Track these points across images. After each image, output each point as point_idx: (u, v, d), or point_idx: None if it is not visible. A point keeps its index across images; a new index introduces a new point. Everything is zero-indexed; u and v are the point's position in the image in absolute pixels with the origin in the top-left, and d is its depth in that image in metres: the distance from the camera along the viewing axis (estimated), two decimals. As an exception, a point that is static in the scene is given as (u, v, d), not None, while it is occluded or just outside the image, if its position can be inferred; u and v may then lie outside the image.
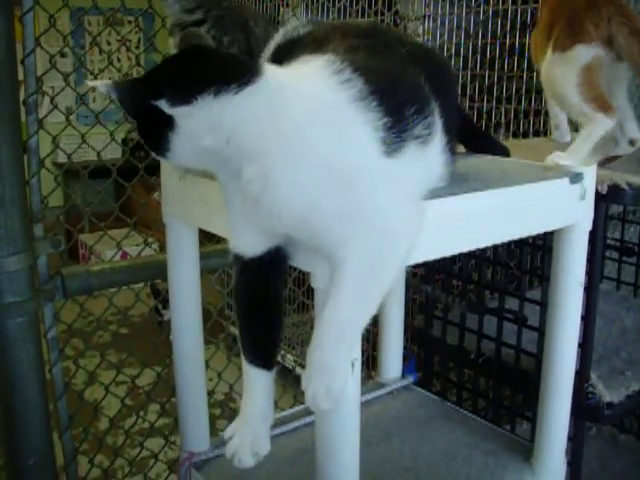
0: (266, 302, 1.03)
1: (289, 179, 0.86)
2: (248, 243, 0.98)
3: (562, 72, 1.70)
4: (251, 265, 0.99)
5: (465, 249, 1.09)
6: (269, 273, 1.00)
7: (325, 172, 0.86)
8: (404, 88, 0.97)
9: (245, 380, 1.06)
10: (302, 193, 0.86)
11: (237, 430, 1.06)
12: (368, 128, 0.89)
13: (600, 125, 1.72)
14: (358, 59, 0.94)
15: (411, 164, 0.94)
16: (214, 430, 1.49)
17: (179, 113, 0.85)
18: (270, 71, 0.89)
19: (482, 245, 1.12)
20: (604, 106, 1.70)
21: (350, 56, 0.94)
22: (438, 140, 1.02)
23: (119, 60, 5.55)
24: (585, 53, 1.68)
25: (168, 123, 0.86)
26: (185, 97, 0.85)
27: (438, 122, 1.01)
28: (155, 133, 0.88)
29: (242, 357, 1.05)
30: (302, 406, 1.15)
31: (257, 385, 1.05)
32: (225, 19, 1.19)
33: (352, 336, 0.92)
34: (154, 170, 1.46)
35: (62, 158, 4.80)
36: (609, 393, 1.51)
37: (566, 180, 1.17)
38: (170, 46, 1.27)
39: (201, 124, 0.86)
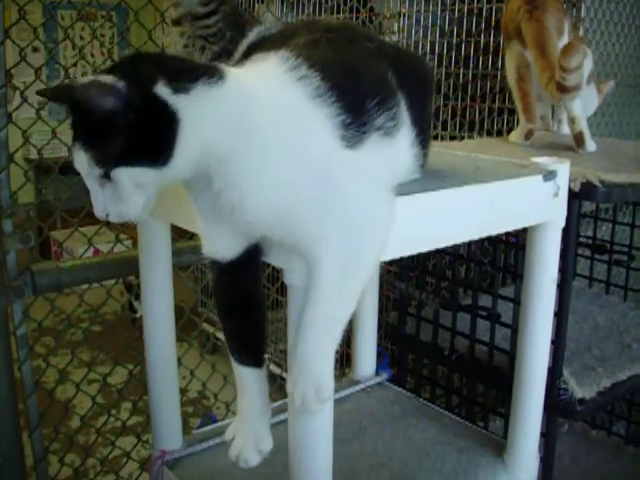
0: (248, 301, 1.03)
1: (259, 182, 0.85)
2: (224, 247, 0.97)
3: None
4: (229, 268, 0.98)
5: (439, 245, 1.08)
6: (247, 272, 0.99)
7: (294, 171, 0.86)
8: (364, 80, 0.97)
9: (238, 381, 1.06)
10: (273, 195, 0.85)
11: (238, 431, 1.06)
12: (328, 125, 0.89)
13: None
14: (315, 53, 0.94)
15: (376, 155, 0.94)
16: (187, 428, 1.48)
17: (181, 102, 0.80)
18: (232, 73, 0.87)
19: (456, 242, 1.12)
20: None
21: (307, 51, 0.94)
22: (406, 132, 1.02)
23: (92, 55, 5.48)
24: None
25: (170, 119, 0.80)
26: (183, 83, 0.81)
27: (405, 114, 1.01)
28: (153, 136, 0.80)
29: (231, 358, 1.05)
30: (276, 403, 1.14)
31: (250, 384, 1.05)
32: (231, 16, 1.26)
33: (335, 334, 0.91)
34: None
35: (34, 154, 4.75)
36: (581, 389, 1.52)
37: (539, 177, 1.17)
38: (173, 34, 1.30)
39: (201, 115, 0.82)
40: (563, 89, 1.54)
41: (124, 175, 0.81)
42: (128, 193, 0.82)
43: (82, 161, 0.81)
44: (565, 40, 1.65)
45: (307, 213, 0.86)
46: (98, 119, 0.79)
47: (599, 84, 1.89)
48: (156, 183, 0.83)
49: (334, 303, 0.89)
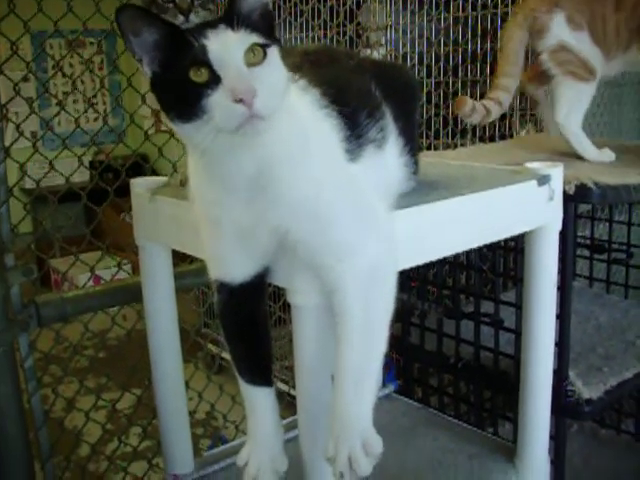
0: (255, 322, 1.03)
1: (297, 170, 0.87)
2: (237, 269, 0.96)
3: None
4: (239, 290, 0.98)
5: (439, 256, 1.09)
6: (255, 294, 0.99)
7: (325, 168, 0.89)
8: (352, 95, 0.99)
9: (248, 402, 1.04)
10: (310, 188, 0.87)
11: (251, 454, 1.04)
12: (338, 137, 0.92)
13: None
14: (304, 73, 0.96)
15: (371, 168, 0.96)
16: (197, 450, 1.48)
17: None
18: None
19: (455, 251, 1.13)
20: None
21: (297, 72, 0.95)
22: (394, 142, 1.04)
23: (82, 82, 5.51)
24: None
25: None
26: None
27: (391, 125, 1.03)
28: None
29: (240, 380, 1.04)
30: (284, 420, 1.14)
31: (262, 403, 1.04)
32: None
33: (372, 379, 0.90)
34: (124, 191, 1.45)
35: (29, 184, 4.75)
36: (588, 390, 1.52)
37: (534, 182, 1.18)
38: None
39: None
40: None
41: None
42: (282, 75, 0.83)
43: (231, 39, 0.80)
44: None
45: (337, 215, 0.88)
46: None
47: None
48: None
49: (366, 344, 0.88)
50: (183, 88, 0.79)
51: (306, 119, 0.90)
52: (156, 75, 0.82)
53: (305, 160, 0.87)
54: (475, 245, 1.17)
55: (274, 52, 0.82)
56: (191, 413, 1.56)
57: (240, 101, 0.76)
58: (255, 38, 0.80)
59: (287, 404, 1.80)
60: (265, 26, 0.83)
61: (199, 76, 0.78)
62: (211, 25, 0.81)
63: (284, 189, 0.86)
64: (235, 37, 0.79)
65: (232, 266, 0.97)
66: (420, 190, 1.09)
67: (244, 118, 0.77)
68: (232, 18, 0.80)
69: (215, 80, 0.78)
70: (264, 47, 0.80)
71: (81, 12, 1.65)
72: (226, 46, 0.79)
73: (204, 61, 0.78)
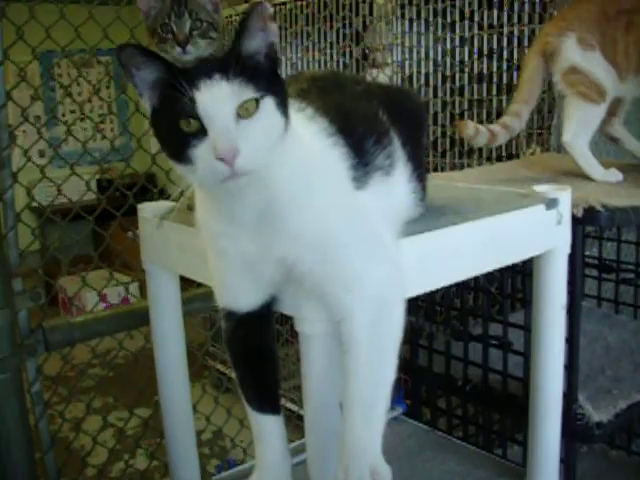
0: (263, 350, 1.02)
1: (302, 204, 0.87)
2: (244, 299, 0.97)
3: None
4: (246, 319, 0.98)
5: (447, 283, 1.09)
6: (263, 323, 0.99)
7: (328, 200, 0.88)
8: (360, 122, 0.99)
9: (256, 430, 1.04)
10: (313, 218, 0.87)
11: None
12: (344, 166, 0.91)
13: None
14: (309, 100, 0.96)
15: (379, 195, 0.96)
16: (204, 472, 1.47)
17: None
18: None
19: (463, 278, 1.12)
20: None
21: (302, 99, 0.96)
22: (402, 168, 1.04)
23: (90, 101, 5.52)
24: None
25: None
26: None
27: (399, 151, 1.03)
28: None
29: (248, 408, 1.03)
30: (292, 444, 1.14)
31: (270, 431, 1.03)
32: None
33: (381, 408, 0.89)
34: (131, 209, 1.45)
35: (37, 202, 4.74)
36: (598, 413, 1.51)
37: (542, 206, 1.18)
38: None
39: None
40: None
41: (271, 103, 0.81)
42: (275, 126, 0.81)
43: (223, 93, 0.79)
44: None
45: (344, 244, 0.87)
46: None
47: None
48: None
49: (374, 372, 0.88)
50: (174, 133, 0.80)
51: (311, 150, 0.90)
52: (155, 111, 0.83)
53: (310, 194, 0.87)
54: (483, 271, 1.16)
55: (269, 103, 0.81)
56: (198, 433, 1.54)
57: (222, 159, 0.77)
58: (249, 91, 0.79)
59: (295, 426, 1.79)
60: (267, 68, 0.83)
61: (188, 126, 0.79)
62: (206, 72, 0.79)
63: (289, 223, 0.87)
64: (227, 91, 0.79)
65: (239, 295, 0.97)
66: (428, 215, 1.09)
67: (225, 176, 0.78)
68: (230, 65, 0.79)
69: (203, 132, 0.78)
70: (258, 100, 0.80)
71: (89, 32, 1.65)
72: (216, 101, 0.78)
73: (192, 114, 0.78)
